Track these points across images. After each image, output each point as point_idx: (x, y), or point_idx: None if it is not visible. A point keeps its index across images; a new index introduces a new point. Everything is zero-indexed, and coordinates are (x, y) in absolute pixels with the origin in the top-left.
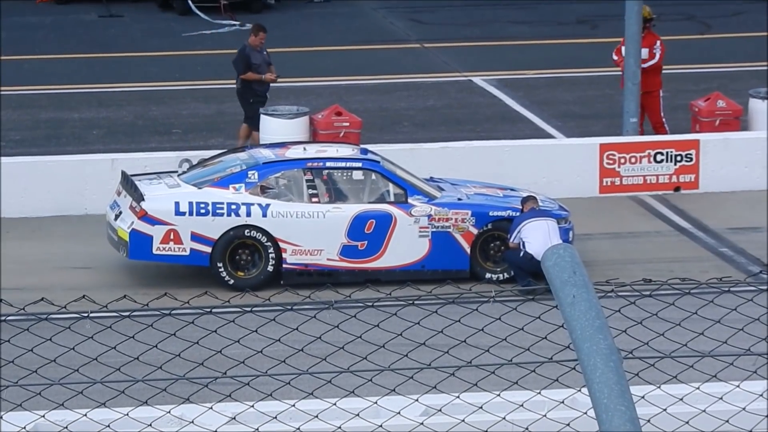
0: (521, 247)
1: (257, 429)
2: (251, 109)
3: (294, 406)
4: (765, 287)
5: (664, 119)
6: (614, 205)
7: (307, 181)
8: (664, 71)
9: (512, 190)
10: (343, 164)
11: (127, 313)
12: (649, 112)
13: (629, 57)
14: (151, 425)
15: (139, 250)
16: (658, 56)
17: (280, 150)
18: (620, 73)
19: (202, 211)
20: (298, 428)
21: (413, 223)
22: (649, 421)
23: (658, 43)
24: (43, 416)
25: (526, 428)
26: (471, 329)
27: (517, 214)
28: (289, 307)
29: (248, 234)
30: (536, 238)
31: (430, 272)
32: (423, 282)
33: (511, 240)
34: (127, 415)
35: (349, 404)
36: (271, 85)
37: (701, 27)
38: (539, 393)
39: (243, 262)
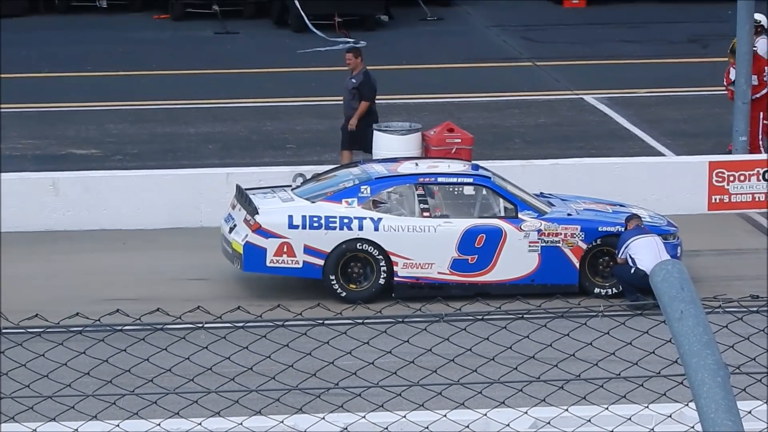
0: (630, 263)
1: None
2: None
3: (405, 417)
4: None
5: (761, 144)
6: (723, 223)
7: (418, 195)
8: None
9: (621, 206)
10: (454, 179)
11: (241, 324)
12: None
13: (740, 77)
14: None
15: (253, 262)
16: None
17: (392, 165)
18: (725, 90)
19: (315, 224)
20: None
21: (523, 238)
22: None
23: (767, 69)
24: (159, 425)
25: None
26: (579, 343)
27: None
28: (400, 320)
29: (360, 247)
30: (646, 254)
31: (539, 286)
32: (532, 296)
33: (619, 256)
34: (241, 424)
35: (459, 416)
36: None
37: None
38: (647, 407)
39: (355, 274)
